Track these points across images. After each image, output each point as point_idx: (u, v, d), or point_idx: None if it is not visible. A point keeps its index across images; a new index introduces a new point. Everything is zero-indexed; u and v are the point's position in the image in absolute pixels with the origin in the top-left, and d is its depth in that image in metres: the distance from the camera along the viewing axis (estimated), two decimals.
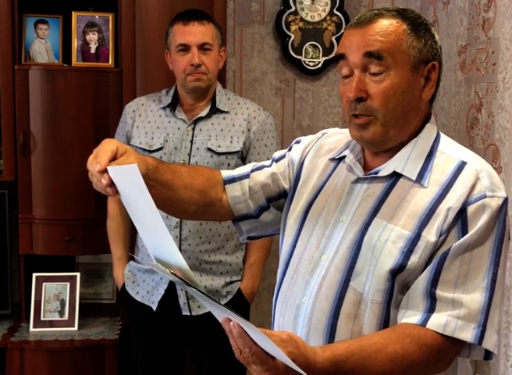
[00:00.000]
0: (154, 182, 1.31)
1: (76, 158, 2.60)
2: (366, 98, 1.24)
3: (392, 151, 1.30)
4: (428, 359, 1.18)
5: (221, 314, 1.06)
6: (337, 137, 1.45)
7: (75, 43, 2.69)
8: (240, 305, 2.38)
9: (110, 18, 2.70)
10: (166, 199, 1.38)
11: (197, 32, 2.25)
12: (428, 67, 1.27)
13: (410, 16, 1.28)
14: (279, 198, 1.49)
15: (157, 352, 2.41)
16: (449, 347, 1.19)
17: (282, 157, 1.51)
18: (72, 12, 2.68)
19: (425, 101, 1.29)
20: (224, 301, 2.34)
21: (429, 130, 1.31)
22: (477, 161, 1.26)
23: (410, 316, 1.20)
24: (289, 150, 1.52)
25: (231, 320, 1.04)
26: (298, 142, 1.52)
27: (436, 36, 1.30)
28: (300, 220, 1.38)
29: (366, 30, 1.24)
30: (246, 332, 1.03)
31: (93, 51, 2.70)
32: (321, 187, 1.38)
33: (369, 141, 1.29)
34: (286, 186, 1.48)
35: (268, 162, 1.53)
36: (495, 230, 1.20)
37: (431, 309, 1.19)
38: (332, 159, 1.40)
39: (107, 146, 1.22)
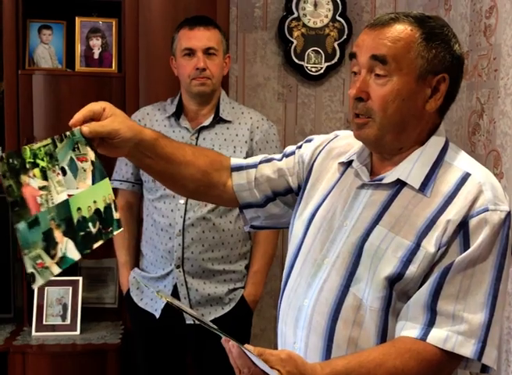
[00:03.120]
0: (150, 153, 1.35)
1: None
2: (367, 99, 1.25)
3: (398, 158, 1.30)
4: (427, 374, 1.18)
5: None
6: (348, 141, 1.44)
7: (78, 48, 2.71)
8: (243, 312, 2.38)
9: (113, 23, 2.72)
10: (164, 172, 1.41)
11: (202, 37, 2.27)
12: (438, 78, 1.25)
13: (428, 25, 1.25)
14: (286, 194, 1.49)
15: (160, 358, 2.41)
16: (448, 361, 1.19)
17: (292, 153, 1.51)
18: (76, 18, 2.70)
19: (429, 112, 1.27)
20: (227, 309, 2.35)
21: (435, 142, 1.29)
22: (481, 173, 1.25)
23: (409, 329, 1.20)
24: (299, 147, 1.52)
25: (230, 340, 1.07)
26: (309, 141, 1.52)
27: (456, 48, 1.27)
28: (307, 223, 1.38)
29: (378, 32, 1.24)
30: (245, 352, 1.05)
31: (96, 56, 2.72)
32: (330, 191, 1.38)
33: (365, 141, 1.30)
34: (294, 184, 1.48)
35: (278, 156, 1.53)
36: (497, 245, 1.19)
37: (430, 323, 1.18)
38: (342, 163, 1.40)
39: (92, 106, 1.27)
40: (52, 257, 1.09)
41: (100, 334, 2.67)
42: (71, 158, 1.20)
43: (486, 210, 1.18)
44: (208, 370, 2.42)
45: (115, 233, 1.25)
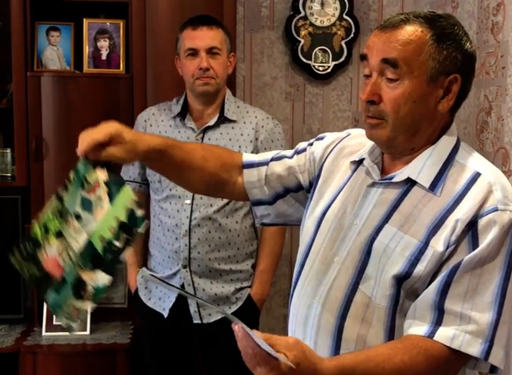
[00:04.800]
0: (159, 162, 1.42)
1: None
2: (379, 101, 1.24)
3: (409, 158, 1.29)
4: (435, 371, 1.18)
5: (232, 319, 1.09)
6: (360, 140, 1.44)
7: (86, 49, 2.72)
8: (250, 311, 2.38)
9: (121, 25, 2.73)
10: (174, 176, 1.50)
11: (205, 36, 2.27)
12: (450, 79, 1.24)
13: (439, 25, 1.24)
14: (297, 191, 1.50)
15: (168, 357, 2.42)
16: (456, 360, 1.19)
17: (303, 150, 1.52)
18: (84, 19, 2.72)
19: (442, 113, 1.26)
20: (234, 308, 2.35)
21: (447, 141, 1.29)
22: (492, 173, 1.24)
23: (416, 327, 1.20)
24: (311, 145, 1.52)
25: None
26: (321, 139, 1.52)
27: (467, 47, 1.25)
28: (318, 221, 1.39)
29: (389, 35, 1.23)
30: (250, 336, 1.05)
31: (104, 57, 2.73)
32: (341, 189, 1.39)
33: (377, 142, 1.31)
34: (305, 181, 1.49)
35: (289, 153, 1.54)
36: (506, 245, 1.18)
37: (438, 322, 1.18)
38: (353, 162, 1.40)
39: (96, 135, 1.27)
40: (84, 299, 1.11)
41: (109, 334, 2.69)
42: (82, 198, 1.21)
43: (495, 210, 1.18)
44: (215, 370, 2.43)
45: (140, 229, 1.25)
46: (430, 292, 1.19)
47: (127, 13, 2.66)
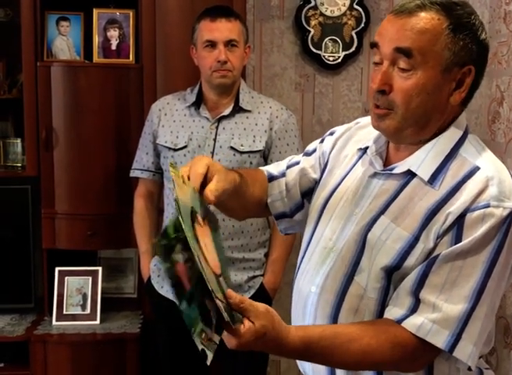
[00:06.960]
0: (239, 191, 1.33)
1: (98, 153, 2.62)
2: (389, 91, 1.21)
3: (414, 148, 1.27)
4: (399, 359, 1.18)
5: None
6: (369, 129, 1.39)
7: (96, 39, 2.72)
8: (262, 299, 2.38)
9: (131, 14, 2.72)
10: (239, 205, 1.40)
11: (224, 29, 2.26)
12: (464, 71, 1.20)
13: (456, 14, 1.19)
14: (313, 191, 1.48)
15: (181, 345, 2.41)
16: (424, 350, 1.17)
17: (314, 150, 1.51)
18: (94, 9, 2.71)
19: (453, 105, 1.23)
20: (247, 296, 2.35)
21: (452, 133, 1.25)
22: (492, 168, 1.20)
23: (393, 313, 1.19)
24: (322, 142, 1.51)
25: None
26: (332, 134, 1.50)
27: (482, 37, 1.22)
28: (320, 210, 1.38)
29: (403, 22, 1.18)
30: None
31: (114, 47, 2.73)
32: (344, 178, 1.38)
33: (384, 132, 1.28)
34: (317, 176, 1.48)
35: (299, 157, 1.53)
36: (494, 241, 1.15)
37: (413, 309, 1.17)
38: (359, 149, 1.39)
39: (198, 169, 1.19)
40: (211, 327, 1.07)
41: (119, 324, 2.70)
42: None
43: (487, 206, 1.15)
44: (230, 357, 2.43)
45: None
46: (409, 280, 1.19)
47: (137, 3, 2.66)
